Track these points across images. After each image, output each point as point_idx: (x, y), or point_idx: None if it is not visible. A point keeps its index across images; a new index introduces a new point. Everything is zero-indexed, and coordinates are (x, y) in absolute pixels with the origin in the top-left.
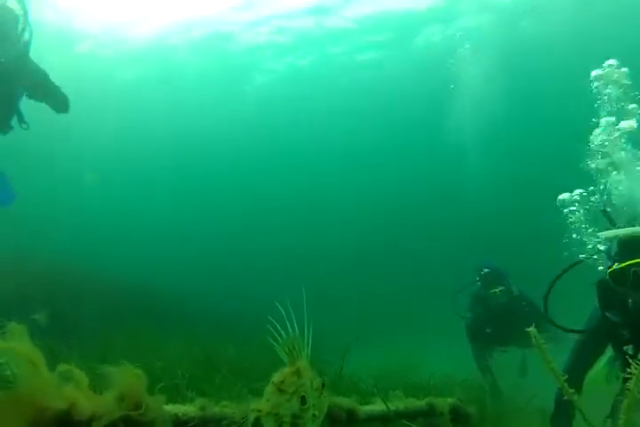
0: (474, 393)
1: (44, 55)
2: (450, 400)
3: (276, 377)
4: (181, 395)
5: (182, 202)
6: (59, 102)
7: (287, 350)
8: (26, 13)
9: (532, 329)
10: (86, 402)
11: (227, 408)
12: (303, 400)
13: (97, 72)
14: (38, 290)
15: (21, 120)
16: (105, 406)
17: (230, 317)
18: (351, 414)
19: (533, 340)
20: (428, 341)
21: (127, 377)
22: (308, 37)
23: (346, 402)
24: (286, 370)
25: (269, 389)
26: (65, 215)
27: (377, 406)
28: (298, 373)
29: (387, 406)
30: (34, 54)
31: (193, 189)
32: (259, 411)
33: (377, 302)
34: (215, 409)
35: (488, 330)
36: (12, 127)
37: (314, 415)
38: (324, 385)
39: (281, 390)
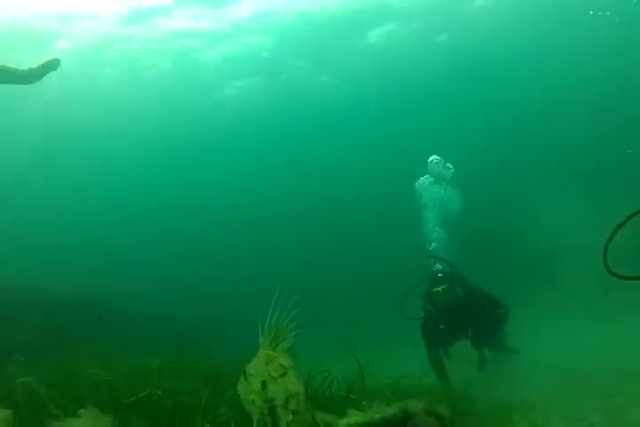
0: (441, 396)
1: None
2: (421, 404)
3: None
4: None
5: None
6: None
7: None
8: None
9: None
10: None
11: None
12: (264, 385)
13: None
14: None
15: None
16: None
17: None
18: None
19: None
20: (387, 345)
21: None
22: None
23: (326, 417)
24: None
25: (263, 375)
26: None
27: (354, 418)
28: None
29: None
30: None
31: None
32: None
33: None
34: None
35: (441, 326)
36: None
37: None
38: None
39: (272, 377)
